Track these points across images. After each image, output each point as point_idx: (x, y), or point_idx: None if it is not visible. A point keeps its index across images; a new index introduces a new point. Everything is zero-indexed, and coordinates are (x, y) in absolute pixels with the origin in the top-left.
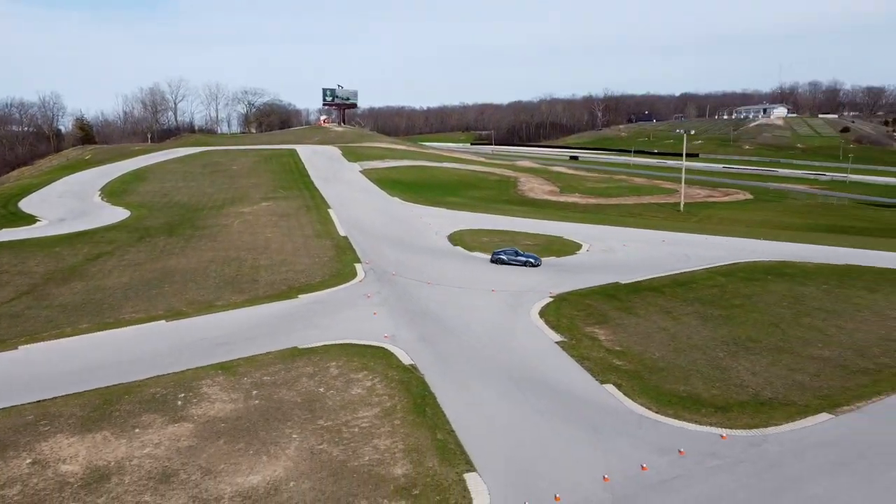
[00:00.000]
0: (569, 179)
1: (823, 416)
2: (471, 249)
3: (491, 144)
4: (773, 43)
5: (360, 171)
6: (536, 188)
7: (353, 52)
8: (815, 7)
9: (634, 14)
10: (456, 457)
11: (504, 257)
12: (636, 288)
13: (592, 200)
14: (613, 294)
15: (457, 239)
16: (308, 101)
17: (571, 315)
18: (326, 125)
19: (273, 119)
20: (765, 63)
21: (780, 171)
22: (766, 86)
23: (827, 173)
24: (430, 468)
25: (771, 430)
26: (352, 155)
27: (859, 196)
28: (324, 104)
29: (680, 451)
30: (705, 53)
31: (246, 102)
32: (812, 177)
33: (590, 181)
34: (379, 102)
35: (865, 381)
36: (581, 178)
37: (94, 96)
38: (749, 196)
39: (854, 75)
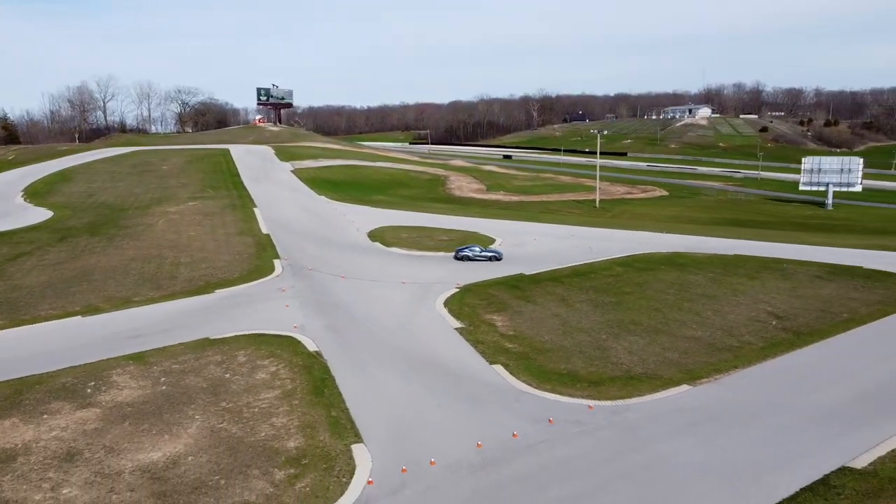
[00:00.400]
0: (497, 178)
1: (684, 388)
2: (388, 245)
3: (429, 144)
4: (703, 45)
5: (292, 171)
6: (464, 186)
7: (294, 51)
8: (743, 11)
9: (574, 15)
10: (346, 431)
11: (469, 254)
12: (538, 279)
13: (515, 198)
14: (516, 284)
15: (376, 235)
16: (247, 101)
17: (474, 304)
18: (262, 125)
19: (209, 118)
20: (696, 65)
21: (700, 168)
22: (695, 87)
23: (741, 171)
24: (321, 441)
25: (634, 400)
26: (285, 154)
27: (766, 192)
28: (258, 104)
29: (550, 420)
30: (640, 55)
31: (180, 102)
32: (727, 174)
33: (517, 179)
34: (319, 102)
35: (728, 357)
36: (509, 177)
37: (19, 95)
38: (665, 193)
39: (777, 78)
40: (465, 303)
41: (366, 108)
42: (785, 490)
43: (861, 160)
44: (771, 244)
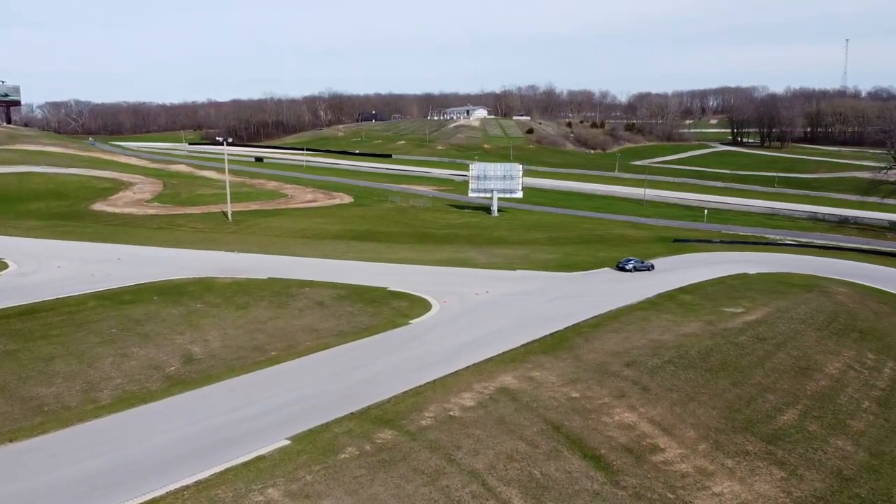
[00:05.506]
0: (189, 185)
1: None
2: None
3: (212, 144)
4: (512, 46)
5: None
6: (128, 197)
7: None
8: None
9: (383, 15)
10: None
11: (630, 266)
12: None
13: (153, 211)
14: None
15: None
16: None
17: None
18: None
19: None
20: (508, 67)
21: (435, 171)
22: (496, 88)
23: (466, 173)
24: None
25: None
26: None
27: (458, 196)
28: None
29: None
30: (448, 55)
31: None
32: (454, 177)
33: (211, 187)
34: (119, 97)
35: (36, 422)
36: (206, 185)
37: None
38: (350, 199)
39: (571, 80)
40: None
41: (169, 104)
42: None
43: (521, 167)
44: (345, 262)
